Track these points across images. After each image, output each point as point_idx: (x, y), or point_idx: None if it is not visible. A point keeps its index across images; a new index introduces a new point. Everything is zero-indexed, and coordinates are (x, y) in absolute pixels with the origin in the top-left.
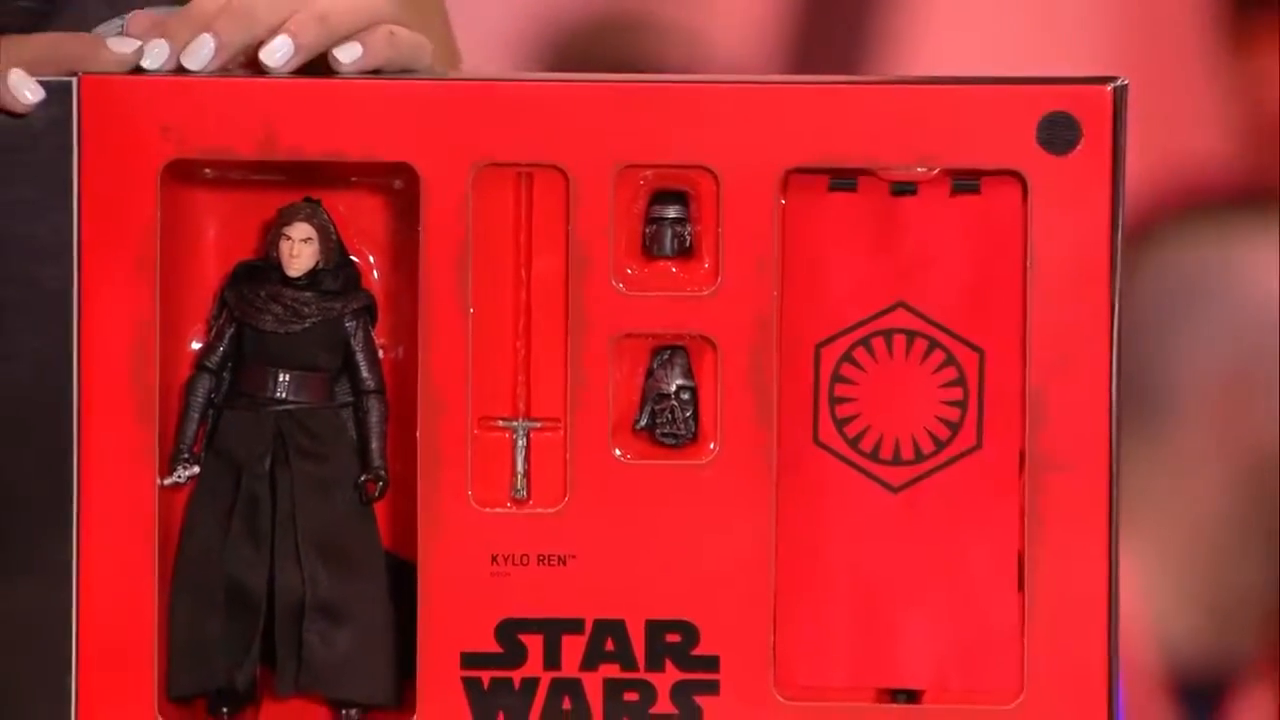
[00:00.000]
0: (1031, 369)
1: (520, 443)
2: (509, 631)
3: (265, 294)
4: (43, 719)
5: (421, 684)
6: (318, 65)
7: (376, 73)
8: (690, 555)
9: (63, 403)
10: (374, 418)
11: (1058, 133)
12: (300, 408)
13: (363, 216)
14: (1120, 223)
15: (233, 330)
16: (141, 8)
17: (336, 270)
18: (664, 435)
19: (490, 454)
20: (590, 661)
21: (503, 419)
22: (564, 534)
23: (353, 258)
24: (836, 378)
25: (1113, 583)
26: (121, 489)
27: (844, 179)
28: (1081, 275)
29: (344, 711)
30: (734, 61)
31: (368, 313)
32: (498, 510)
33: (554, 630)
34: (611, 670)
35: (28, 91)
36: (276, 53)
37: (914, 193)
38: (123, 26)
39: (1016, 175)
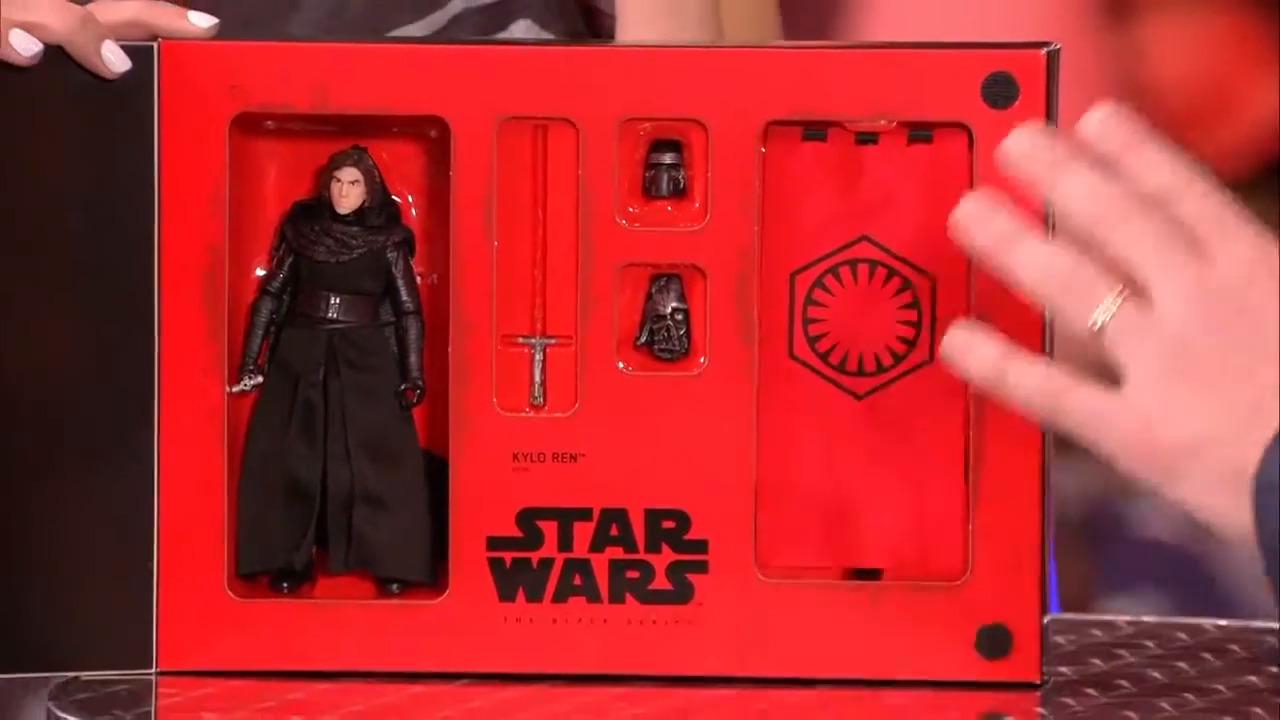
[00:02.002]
0: (976, 293)
1: (537, 357)
2: (528, 519)
3: (319, 229)
4: (129, 592)
5: (453, 563)
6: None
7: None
8: (683, 453)
9: (145, 321)
10: (412, 335)
11: (999, 90)
12: (349, 326)
13: (403, 162)
14: None
15: (291, 260)
16: None
17: (380, 208)
18: (661, 350)
19: (512, 367)
20: (597, 544)
21: (522, 336)
22: (575, 435)
23: (394, 197)
24: (809, 301)
25: (1044, 475)
26: (196, 395)
27: (815, 130)
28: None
29: (387, 586)
30: None
31: (407, 245)
32: (518, 415)
33: (566, 518)
34: (616, 552)
35: (116, 60)
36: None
37: (875, 142)
38: None
39: (963, 127)
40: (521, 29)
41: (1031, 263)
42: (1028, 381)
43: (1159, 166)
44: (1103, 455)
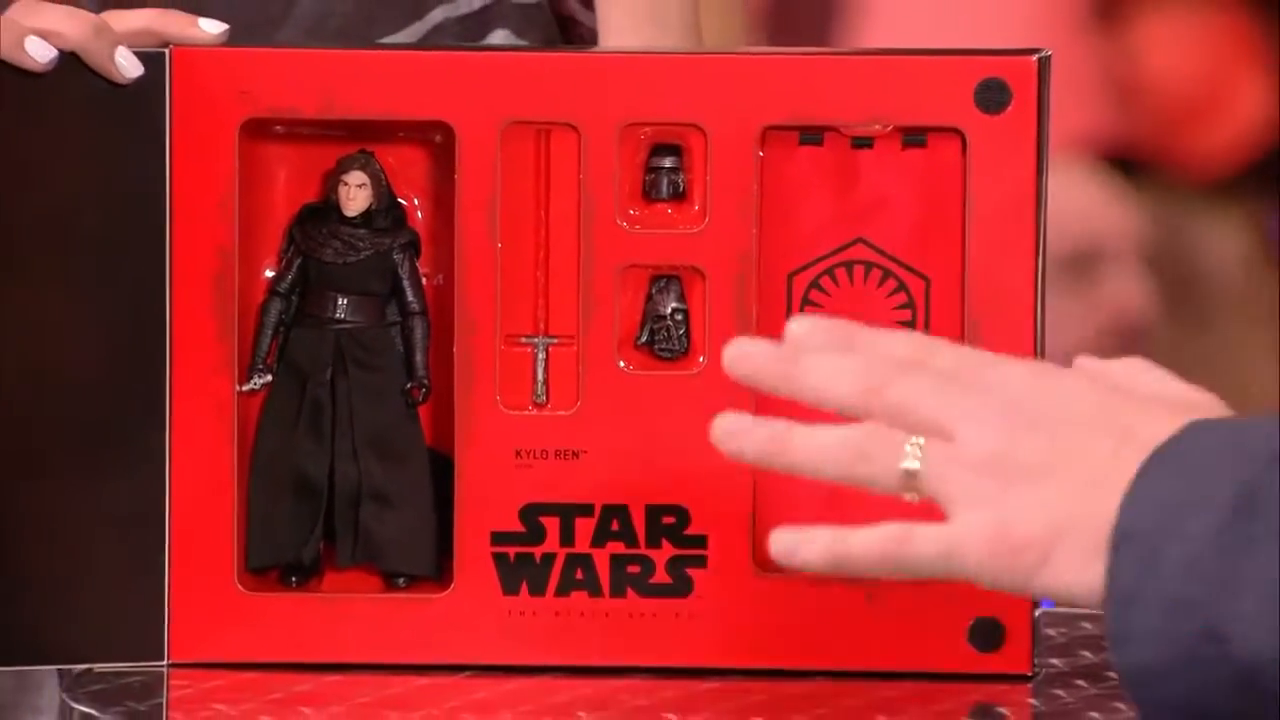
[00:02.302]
0: (969, 293)
1: (540, 356)
2: (531, 514)
3: (326, 231)
4: (141, 587)
5: (458, 558)
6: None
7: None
8: (683, 450)
9: (157, 321)
10: (418, 335)
11: (991, 96)
12: (356, 326)
13: (408, 166)
14: (1044, 172)
15: (299, 261)
16: None
17: (386, 211)
18: (661, 350)
19: (515, 366)
20: (599, 539)
21: (525, 336)
22: (577, 433)
23: (400, 200)
24: (806, 301)
25: None
26: (206, 394)
27: (812, 134)
28: (1011, 215)
29: (393, 581)
30: None
31: (413, 247)
32: (521, 413)
33: (569, 513)
34: (617, 547)
35: (129, 67)
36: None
37: (871, 146)
38: None
39: (957, 132)
40: (499, 38)
41: (815, 444)
42: (868, 548)
43: (896, 338)
44: (964, 578)
